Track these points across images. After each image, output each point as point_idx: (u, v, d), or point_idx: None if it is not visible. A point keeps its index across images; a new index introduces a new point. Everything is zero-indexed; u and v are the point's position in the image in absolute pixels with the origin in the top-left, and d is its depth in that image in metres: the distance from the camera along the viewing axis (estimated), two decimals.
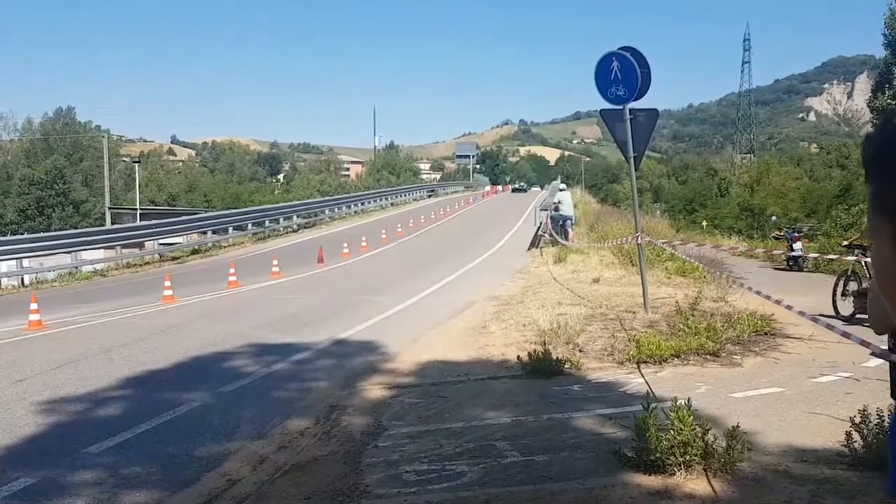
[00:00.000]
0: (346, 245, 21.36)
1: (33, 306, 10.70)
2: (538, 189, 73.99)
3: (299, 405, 6.30)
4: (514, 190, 74.67)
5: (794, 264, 16.87)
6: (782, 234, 19.35)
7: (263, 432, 5.56)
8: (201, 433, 5.56)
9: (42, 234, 27.97)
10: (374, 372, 7.37)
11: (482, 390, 6.37)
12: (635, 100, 9.14)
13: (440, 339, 8.83)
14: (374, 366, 7.65)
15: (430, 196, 55.57)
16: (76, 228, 37.96)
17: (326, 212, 35.31)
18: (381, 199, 44.07)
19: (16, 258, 18.24)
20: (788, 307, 6.73)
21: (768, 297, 7.15)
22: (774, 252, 18.02)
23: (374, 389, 6.64)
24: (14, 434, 5.55)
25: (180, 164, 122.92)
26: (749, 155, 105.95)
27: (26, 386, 7.02)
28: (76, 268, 19.62)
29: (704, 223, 46.66)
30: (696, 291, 9.15)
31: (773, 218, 27.40)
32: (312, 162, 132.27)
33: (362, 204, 40.26)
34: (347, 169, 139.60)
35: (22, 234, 40.18)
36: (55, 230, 38.90)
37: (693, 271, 12.57)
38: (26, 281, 18.38)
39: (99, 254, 21.36)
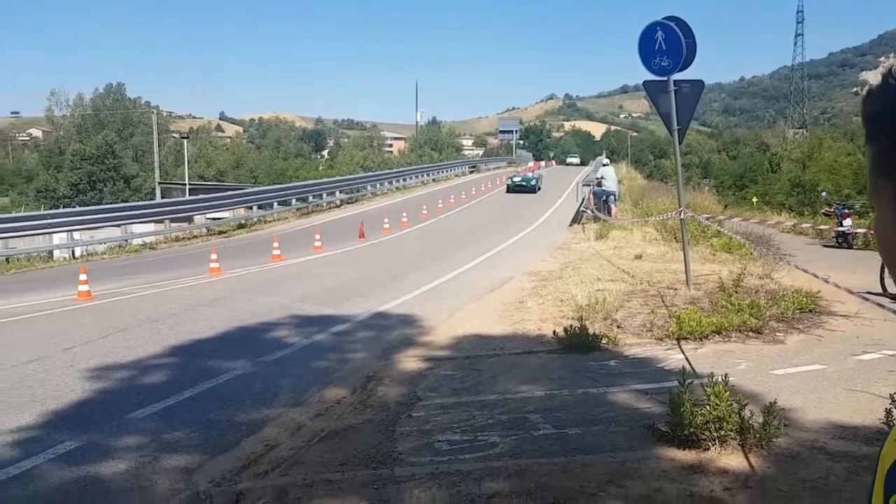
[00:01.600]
0: (387, 221, 21.48)
1: (82, 277, 11.02)
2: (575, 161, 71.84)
3: (337, 375, 6.41)
4: (567, 163, 71.40)
5: (844, 241, 16.42)
6: (832, 210, 18.82)
7: (301, 400, 5.67)
8: (242, 400, 5.70)
9: (93, 208, 28.68)
10: (411, 344, 7.44)
11: (517, 364, 6.38)
12: (680, 71, 8.93)
13: (477, 314, 8.85)
14: (411, 338, 7.72)
15: (471, 172, 55.36)
16: (127, 202, 38.84)
17: (368, 188, 35.48)
18: (422, 175, 44.07)
19: (67, 231, 18.77)
20: (835, 284, 6.57)
21: (815, 275, 6.99)
22: (823, 228, 17.53)
23: (410, 361, 6.70)
24: (62, 399, 5.76)
25: (228, 140, 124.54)
26: (801, 130, 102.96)
27: (75, 354, 7.27)
28: (126, 241, 20.12)
29: (755, 199, 45.59)
30: (740, 268, 8.98)
31: (824, 193, 26.65)
32: (356, 138, 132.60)
33: (404, 180, 40.32)
34: (390, 145, 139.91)
35: (74, 207, 41.29)
36: (106, 204, 39.87)
37: (739, 248, 12.33)
38: (77, 253, 18.94)
39: (148, 227, 21.85)
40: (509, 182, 36.81)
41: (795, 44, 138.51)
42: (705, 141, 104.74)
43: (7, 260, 16.65)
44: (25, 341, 7.92)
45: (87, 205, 43.60)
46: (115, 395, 5.90)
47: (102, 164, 58.61)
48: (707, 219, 11.88)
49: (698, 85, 9.43)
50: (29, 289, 12.33)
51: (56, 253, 18.89)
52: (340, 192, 32.34)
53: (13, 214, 28.88)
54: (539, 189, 36.11)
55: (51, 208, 43.13)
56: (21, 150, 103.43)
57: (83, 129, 70.93)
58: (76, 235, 18.94)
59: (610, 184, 20.67)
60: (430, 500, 3.52)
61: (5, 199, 69.60)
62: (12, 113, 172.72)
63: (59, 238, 18.97)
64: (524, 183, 36.30)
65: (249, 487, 3.97)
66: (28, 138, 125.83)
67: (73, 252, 18.90)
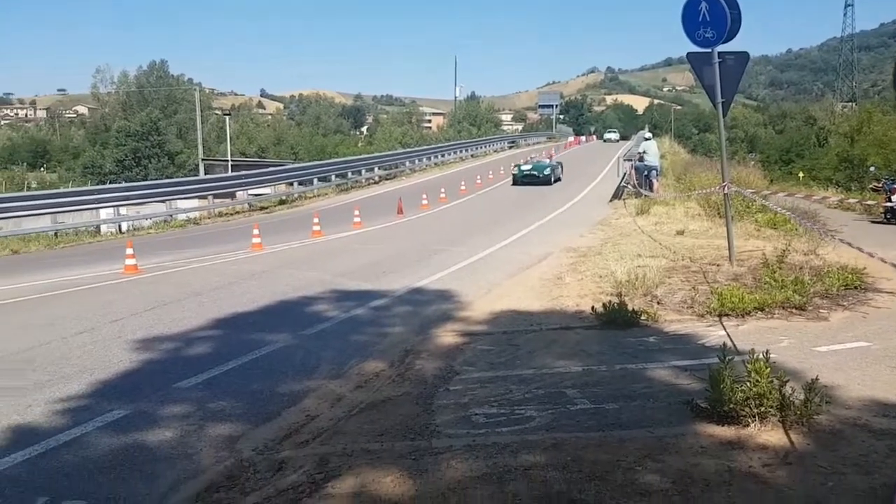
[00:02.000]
0: (424, 196, 21.52)
1: (129, 252, 11.31)
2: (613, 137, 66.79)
3: (375, 348, 6.49)
4: (605, 140, 65.14)
5: (892, 216, 15.97)
6: (881, 185, 18.28)
7: (341, 373, 5.77)
8: (283, 372, 5.82)
9: (139, 184, 29.29)
10: (448, 319, 7.48)
11: (554, 339, 6.37)
12: (724, 42, 8.73)
13: (514, 290, 8.85)
14: (449, 313, 7.76)
15: (510, 147, 55.03)
16: (171, 178, 39.55)
17: (407, 163, 35.55)
18: (461, 151, 43.98)
19: (114, 206, 19.22)
20: (882, 260, 6.40)
21: (861, 250, 6.82)
22: (870, 204, 17.06)
23: (448, 336, 6.75)
24: (110, 369, 5.95)
25: (269, 117, 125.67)
26: (850, 103, 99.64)
27: (122, 325, 7.48)
28: (171, 216, 20.55)
29: (801, 174, 44.50)
30: (785, 244, 8.80)
31: (872, 168, 25.89)
32: (395, 114, 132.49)
33: (442, 156, 40.29)
34: (429, 121, 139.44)
35: (120, 183, 42.13)
36: (151, 180, 40.64)
37: (784, 223, 12.08)
38: (123, 228, 19.39)
39: (192, 203, 22.27)
40: (515, 171, 28.04)
41: (845, 14, 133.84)
42: (751, 114, 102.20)
43: (56, 234, 17.14)
44: (75, 313, 8.17)
45: (133, 181, 44.53)
46: (161, 366, 6.07)
47: (147, 141, 59.69)
48: (752, 194, 11.63)
49: (743, 57, 9.22)
50: (77, 262, 12.69)
51: (103, 228, 19.37)
52: (379, 167, 32.48)
53: (61, 190, 29.67)
54: (557, 180, 28.21)
55: (97, 184, 44.09)
56: (68, 127, 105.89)
57: (128, 106, 72.25)
58: (122, 211, 19.39)
59: (652, 158, 20.36)
60: (468, 470, 3.56)
61: (53, 174, 71.51)
62: (59, 90, 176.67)
63: (105, 213, 19.44)
64: (535, 172, 27.52)
65: (291, 456, 4.07)
66: (75, 115, 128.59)
67: (119, 227, 19.35)
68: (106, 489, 3.81)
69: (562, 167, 30.01)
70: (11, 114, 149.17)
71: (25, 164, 75.69)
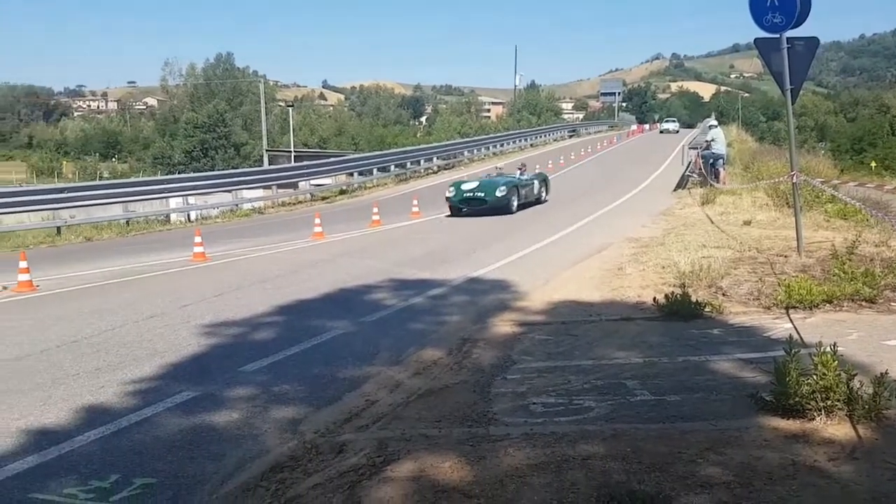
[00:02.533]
0: None
1: (197, 240, 11.66)
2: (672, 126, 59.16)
3: (433, 336, 6.54)
4: (661, 131, 57.65)
5: None
6: None
7: (400, 359, 5.84)
8: (344, 357, 5.93)
9: (206, 174, 30.07)
10: (506, 309, 7.48)
11: (614, 330, 6.30)
12: (793, 27, 8.44)
13: (573, 280, 8.78)
14: (506, 303, 7.76)
15: (571, 136, 54.43)
16: (237, 169, 40.49)
17: (465, 153, 35.55)
18: (519, 140, 43.72)
19: (183, 196, 19.85)
20: None
21: None
22: None
23: (505, 325, 6.75)
24: (179, 353, 6.16)
25: (330, 108, 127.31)
26: None
27: (190, 311, 7.73)
28: (236, 205, 21.08)
29: (873, 164, 42.72)
30: (855, 235, 8.48)
31: None
32: (454, 104, 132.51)
33: (501, 145, 40.12)
34: (488, 110, 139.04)
35: (188, 173, 43.34)
36: (218, 170, 41.69)
37: (854, 214, 11.63)
38: (192, 217, 20.01)
39: (257, 193, 22.79)
40: (450, 193, 17.36)
41: None
42: (821, 102, 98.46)
43: (127, 222, 17.79)
44: (146, 298, 8.49)
45: (200, 171, 45.76)
46: (227, 350, 6.26)
47: (214, 133, 61.21)
48: (821, 184, 11.24)
49: (813, 42, 8.90)
50: (148, 250, 13.17)
51: (172, 216, 20.02)
52: (437, 157, 32.57)
53: (132, 179, 30.74)
54: (534, 202, 18.48)
55: (167, 174, 45.53)
56: (138, 119, 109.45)
57: (195, 98, 74.14)
58: (191, 200, 20.00)
59: (719, 146, 19.83)
60: (525, 458, 3.57)
61: (124, 165, 74.18)
62: (129, 83, 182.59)
63: (175, 202, 20.08)
64: (482, 195, 17.00)
65: (351, 439, 4.15)
66: (144, 107, 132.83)
67: (188, 215, 19.97)
68: (175, 467, 3.96)
69: (547, 183, 19.71)
70: (84, 105, 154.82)
71: (98, 154, 78.69)
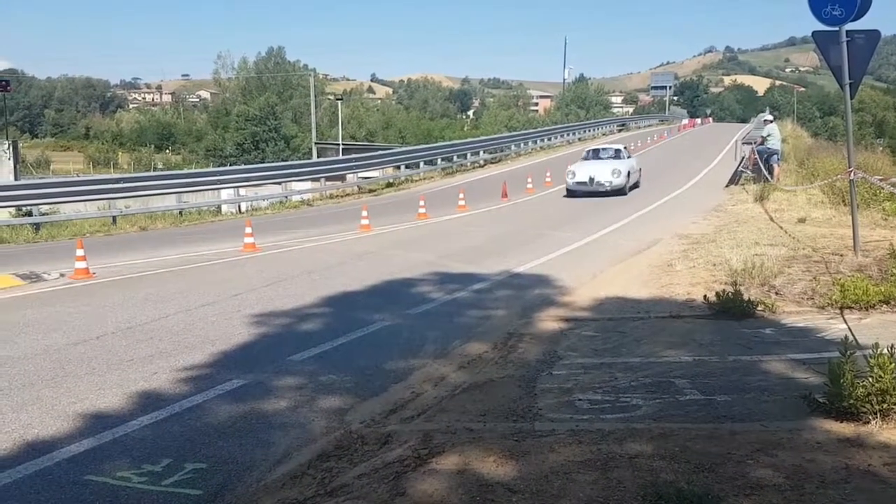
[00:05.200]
0: (529, 180, 21.38)
1: (248, 230, 11.87)
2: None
3: (478, 330, 6.54)
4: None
5: None
6: None
7: (445, 353, 5.86)
8: (389, 349, 5.97)
9: (257, 166, 30.59)
10: (552, 304, 7.44)
11: (663, 328, 6.21)
12: (853, 20, 8.19)
13: (621, 276, 8.68)
14: (552, 298, 7.71)
15: (620, 130, 53.66)
16: (286, 161, 41.07)
17: (512, 147, 35.35)
18: (567, 134, 43.29)
19: (234, 187, 20.22)
20: None
21: None
22: None
23: (551, 321, 6.71)
24: (230, 341, 6.29)
25: (378, 101, 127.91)
26: None
27: (241, 300, 7.88)
28: (286, 197, 21.41)
29: None
30: None
31: None
32: (501, 97, 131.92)
33: (549, 139, 39.81)
34: (536, 104, 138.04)
35: (239, 165, 44.04)
36: (268, 163, 42.32)
37: None
38: (243, 208, 20.36)
39: (306, 185, 23.09)
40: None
41: None
42: (880, 97, 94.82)
43: (180, 213, 18.19)
44: (198, 287, 8.68)
45: (251, 163, 46.51)
46: (276, 339, 6.37)
47: (265, 125, 62.04)
48: (880, 181, 10.88)
49: (874, 35, 8.61)
50: (200, 240, 13.44)
51: (224, 207, 20.40)
52: (484, 151, 32.47)
53: (185, 171, 31.42)
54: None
55: (219, 166, 46.39)
56: (191, 111, 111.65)
57: (247, 91, 75.23)
58: (242, 192, 20.37)
59: (774, 142, 19.33)
60: (571, 455, 3.55)
61: (178, 156, 75.77)
62: (183, 76, 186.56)
63: (226, 194, 20.48)
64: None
65: (397, 430, 4.18)
66: (197, 100, 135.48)
67: (238, 207, 20.34)
68: (224, 453, 4.05)
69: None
70: (139, 98, 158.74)
71: (152, 145, 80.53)
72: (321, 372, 5.41)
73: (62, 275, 9.71)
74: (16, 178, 22.49)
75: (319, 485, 3.58)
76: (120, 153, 77.98)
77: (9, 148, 23.59)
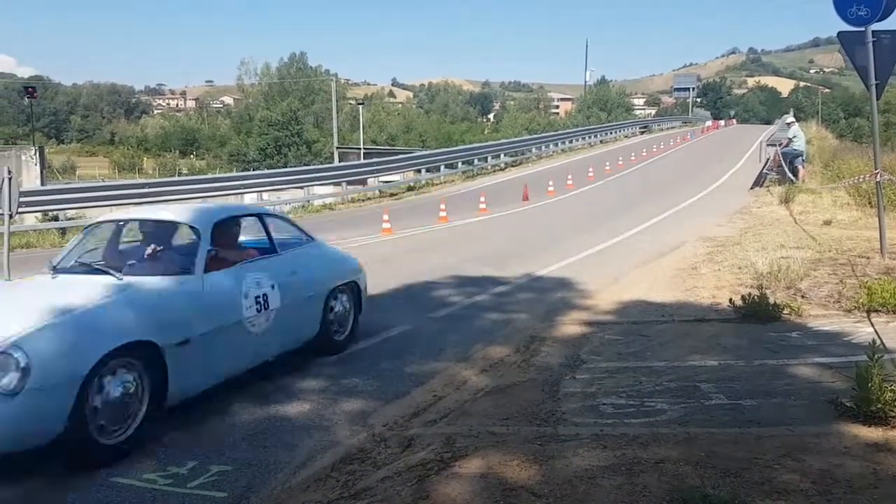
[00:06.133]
0: (551, 183, 21.30)
1: None
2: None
3: (500, 334, 6.53)
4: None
5: None
6: None
7: (466, 356, 5.86)
8: (412, 353, 5.98)
9: (279, 171, 30.73)
10: (574, 308, 7.40)
11: (688, 332, 6.17)
12: (880, 20, 8.10)
13: (644, 279, 8.62)
14: (574, 302, 7.68)
15: (642, 132, 53.30)
16: (309, 166, 41.28)
17: (533, 150, 35.25)
18: (589, 137, 43.08)
19: (257, 192, 20.36)
20: None
21: None
22: None
23: (573, 324, 6.68)
24: None
25: (399, 105, 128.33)
26: None
27: None
28: (308, 201, 21.50)
29: None
30: None
31: None
32: (522, 100, 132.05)
33: (570, 142, 39.64)
34: (557, 107, 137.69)
35: (262, 170, 44.37)
36: (290, 167, 42.59)
37: None
38: None
39: (328, 189, 23.19)
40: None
41: None
42: None
43: None
44: None
45: (274, 168, 46.81)
46: None
47: (287, 130, 62.52)
48: None
49: None
50: None
51: None
52: (505, 154, 32.41)
53: (209, 176, 31.74)
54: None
55: (242, 171, 46.76)
56: (215, 117, 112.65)
57: (270, 96, 75.90)
58: (265, 196, 20.51)
59: (799, 143, 19.12)
60: (595, 459, 3.53)
61: (202, 161, 76.50)
62: (206, 82, 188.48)
63: (249, 198, 20.61)
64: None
65: (419, 434, 4.18)
66: (221, 105, 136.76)
67: None
68: (249, 456, 4.08)
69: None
70: (164, 104, 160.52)
71: (177, 151, 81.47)
72: (344, 375, 5.44)
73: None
74: (42, 184, 22.77)
75: (343, 488, 3.60)
76: (145, 159, 78.94)
77: (35, 153, 23.91)
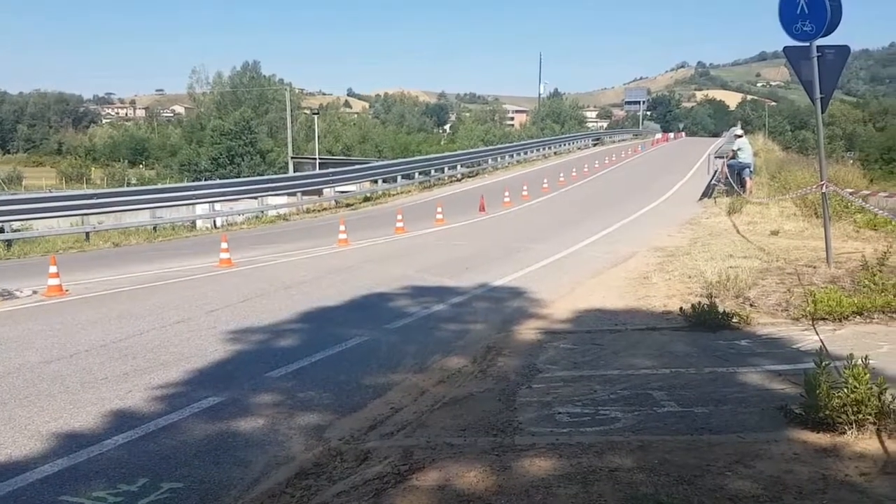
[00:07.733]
0: (507, 194, 21.47)
1: (224, 246, 11.76)
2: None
3: (457, 344, 6.54)
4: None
5: None
6: None
7: (424, 367, 5.84)
8: (368, 365, 5.94)
9: (232, 181, 30.34)
10: (530, 317, 7.46)
11: (640, 340, 6.26)
12: (824, 36, 8.36)
13: (598, 289, 8.73)
14: (530, 311, 7.73)
15: (595, 144, 54.15)
16: (262, 176, 40.79)
17: (489, 161, 35.51)
18: (543, 148, 43.58)
19: (209, 202, 20.05)
20: None
21: None
22: None
23: (530, 334, 6.72)
24: (205, 358, 6.21)
25: (355, 115, 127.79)
26: None
27: (216, 316, 7.80)
28: (262, 212, 21.24)
29: None
30: (886, 246, 8.35)
31: None
32: (478, 112, 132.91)
33: (525, 153, 40.04)
34: (512, 118, 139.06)
35: (214, 180, 43.72)
36: (244, 177, 42.04)
37: (885, 224, 11.45)
38: (218, 223, 20.19)
39: (282, 199, 22.95)
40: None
41: None
42: (850, 111, 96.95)
43: (154, 228, 17.99)
44: (172, 304, 8.57)
45: (227, 178, 46.18)
46: (252, 356, 6.30)
47: (240, 140, 61.75)
48: (851, 194, 11.09)
49: (844, 51, 8.77)
50: (174, 255, 13.29)
51: (199, 223, 20.21)
52: (461, 165, 32.58)
53: (160, 186, 31.15)
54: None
55: (193, 181, 45.98)
56: (166, 126, 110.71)
57: (222, 105, 74.92)
58: (217, 206, 20.19)
59: (745, 156, 19.64)
60: (552, 469, 3.54)
61: (152, 171, 75.05)
62: (157, 90, 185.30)
63: (201, 209, 20.31)
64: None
65: (376, 446, 4.15)
66: (172, 114, 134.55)
67: (214, 222, 20.17)
68: (201, 473, 3.99)
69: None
70: (113, 113, 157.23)
71: (126, 160, 79.74)
72: (299, 388, 5.37)
73: (35, 292, 9.54)
74: None
75: (298, 503, 3.54)
76: (93, 168, 77.10)
77: None
